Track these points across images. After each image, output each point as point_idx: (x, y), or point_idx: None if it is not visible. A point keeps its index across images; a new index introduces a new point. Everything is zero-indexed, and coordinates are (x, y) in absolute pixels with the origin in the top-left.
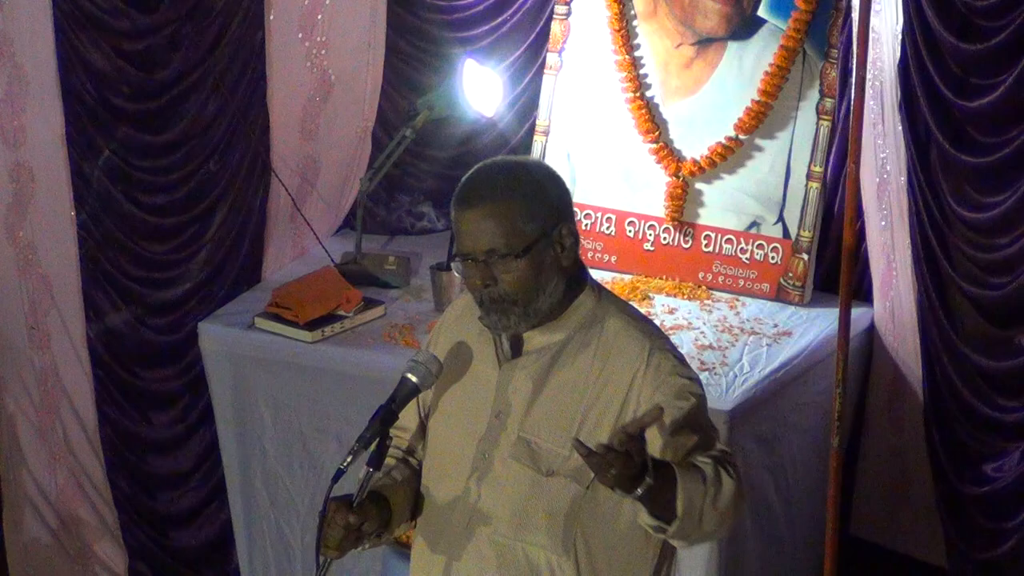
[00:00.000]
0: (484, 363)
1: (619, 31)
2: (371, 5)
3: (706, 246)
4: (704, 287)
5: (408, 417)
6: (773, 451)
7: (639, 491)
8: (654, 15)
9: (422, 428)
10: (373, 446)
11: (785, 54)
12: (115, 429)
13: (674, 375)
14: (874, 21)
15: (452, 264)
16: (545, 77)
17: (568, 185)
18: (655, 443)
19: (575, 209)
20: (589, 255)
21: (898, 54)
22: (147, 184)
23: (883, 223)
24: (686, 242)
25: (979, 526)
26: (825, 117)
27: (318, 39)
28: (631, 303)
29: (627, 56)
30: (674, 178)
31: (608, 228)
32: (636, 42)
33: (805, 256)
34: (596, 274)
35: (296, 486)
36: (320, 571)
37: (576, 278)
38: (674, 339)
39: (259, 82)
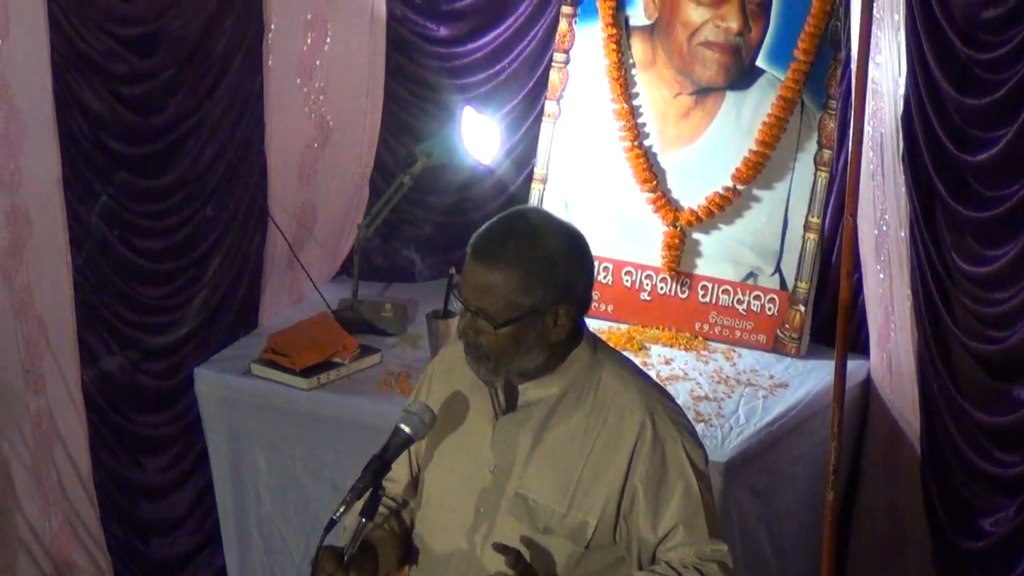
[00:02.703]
0: (479, 415)
1: (617, 80)
2: (370, 52)
3: (703, 296)
4: (700, 338)
5: (399, 469)
6: (768, 503)
7: None
8: (652, 64)
9: (413, 480)
10: (366, 496)
11: (783, 104)
12: (109, 474)
13: (670, 429)
14: (874, 73)
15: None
16: (543, 125)
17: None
18: (650, 520)
19: (592, 293)
20: None
21: (900, 105)
22: (144, 228)
23: (881, 275)
24: (683, 292)
25: None
26: (823, 168)
27: (316, 85)
28: (627, 353)
29: (625, 105)
30: (671, 228)
31: (605, 277)
32: (635, 91)
33: (802, 308)
34: (592, 323)
35: (291, 532)
36: None
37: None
38: (670, 390)
39: (257, 127)
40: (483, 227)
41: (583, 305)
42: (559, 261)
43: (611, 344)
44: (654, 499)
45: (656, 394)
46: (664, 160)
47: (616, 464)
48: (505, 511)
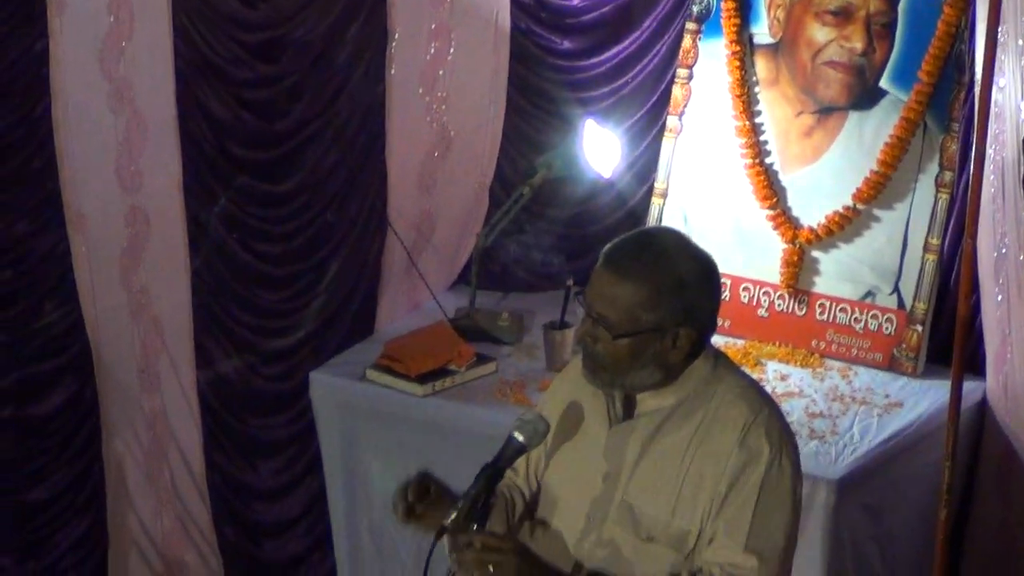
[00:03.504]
0: (595, 423)
1: (740, 97)
2: (494, 63)
3: (820, 314)
4: (817, 355)
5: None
6: (880, 521)
7: None
8: (776, 83)
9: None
10: (479, 503)
11: (906, 125)
12: (222, 475)
13: (761, 439)
14: (997, 96)
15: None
16: (664, 140)
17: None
18: (701, 506)
19: (716, 319)
20: None
21: (1022, 129)
22: (263, 232)
23: (999, 297)
24: (800, 309)
25: None
26: (944, 190)
27: (439, 94)
28: (744, 369)
29: (747, 122)
30: (790, 245)
31: (723, 293)
32: (757, 108)
33: (919, 327)
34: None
35: (402, 538)
36: None
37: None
38: (785, 406)
39: (378, 135)
40: (619, 237)
41: (705, 330)
42: (688, 285)
43: None
44: (721, 502)
45: (764, 407)
46: (785, 178)
47: (715, 474)
48: (612, 519)
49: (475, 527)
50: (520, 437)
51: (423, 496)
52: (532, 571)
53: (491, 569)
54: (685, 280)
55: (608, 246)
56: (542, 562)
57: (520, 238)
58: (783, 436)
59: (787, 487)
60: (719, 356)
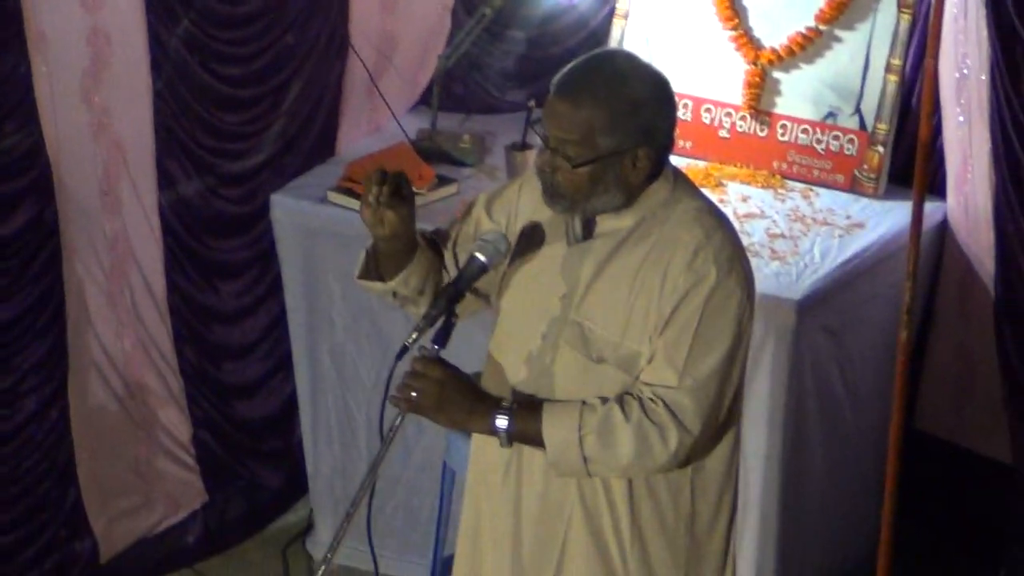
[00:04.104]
0: (554, 243)
1: None
2: None
3: (782, 135)
4: (778, 176)
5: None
6: (841, 343)
7: (497, 429)
8: None
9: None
10: (439, 324)
11: None
12: (183, 297)
13: (709, 263)
14: None
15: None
16: None
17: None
18: (650, 328)
19: (673, 137)
20: None
21: None
22: (224, 55)
23: (961, 118)
24: (762, 130)
25: None
26: (906, 10)
27: None
28: (704, 190)
29: None
30: (752, 66)
31: (684, 114)
32: None
33: (881, 149)
34: (671, 160)
35: (363, 360)
36: (384, 445)
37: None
38: (746, 227)
39: None
40: (570, 64)
41: (663, 149)
42: (643, 106)
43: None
44: (664, 324)
45: (718, 231)
46: None
47: (663, 296)
48: (564, 339)
49: (435, 348)
50: (482, 257)
51: (397, 190)
52: (456, 399)
53: (413, 395)
54: (640, 100)
55: (559, 74)
56: (470, 390)
57: (482, 60)
58: (733, 261)
59: (732, 314)
60: (679, 178)
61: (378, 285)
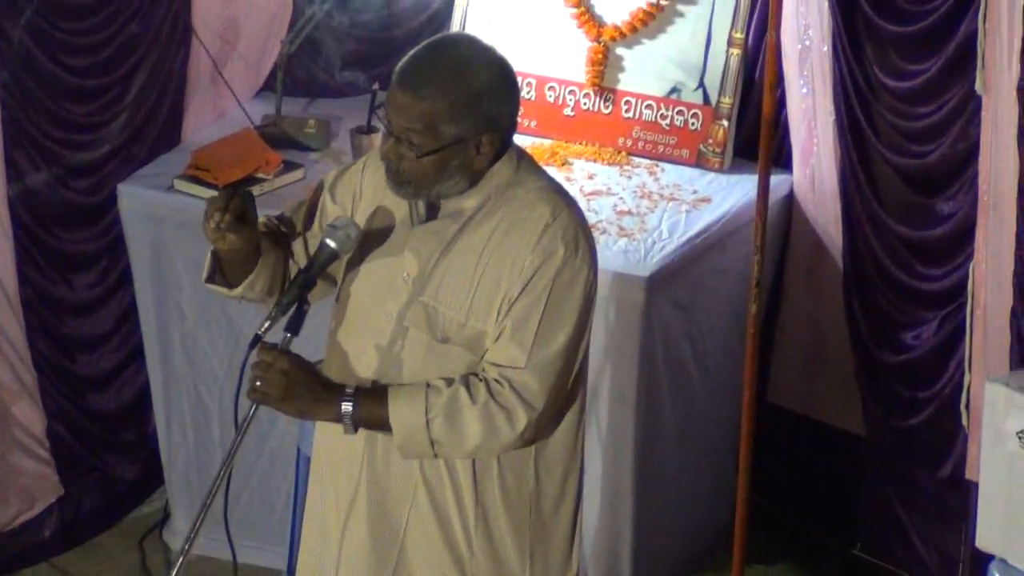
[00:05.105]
0: (401, 226)
1: None
2: None
3: (626, 112)
4: (624, 153)
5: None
6: (691, 318)
7: (343, 416)
8: None
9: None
10: (291, 311)
11: None
12: (35, 290)
13: (556, 241)
14: None
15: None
16: None
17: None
18: (495, 307)
19: (517, 120)
20: None
21: None
22: (69, 45)
23: (804, 90)
24: (606, 107)
25: (896, 394)
26: None
27: None
28: (550, 169)
29: None
30: (595, 43)
31: (528, 93)
32: None
33: (725, 123)
34: (516, 139)
35: (215, 349)
36: (239, 434)
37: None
38: (592, 205)
39: None
40: (410, 54)
41: (507, 132)
42: (486, 94)
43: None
44: (511, 303)
45: (563, 210)
46: None
47: (510, 275)
48: (410, 320)
49: (288, 336)
50: (332, 244)
51: (241, 215)
52: (301, 389)
53: (258, 385)
54: (482, 89)
55: (401, 63)
56: (315, 379)
57: (325, 44)
58: (579, 238)
59: (579, 292)
60: (523, 157)
61: (224, 291)
